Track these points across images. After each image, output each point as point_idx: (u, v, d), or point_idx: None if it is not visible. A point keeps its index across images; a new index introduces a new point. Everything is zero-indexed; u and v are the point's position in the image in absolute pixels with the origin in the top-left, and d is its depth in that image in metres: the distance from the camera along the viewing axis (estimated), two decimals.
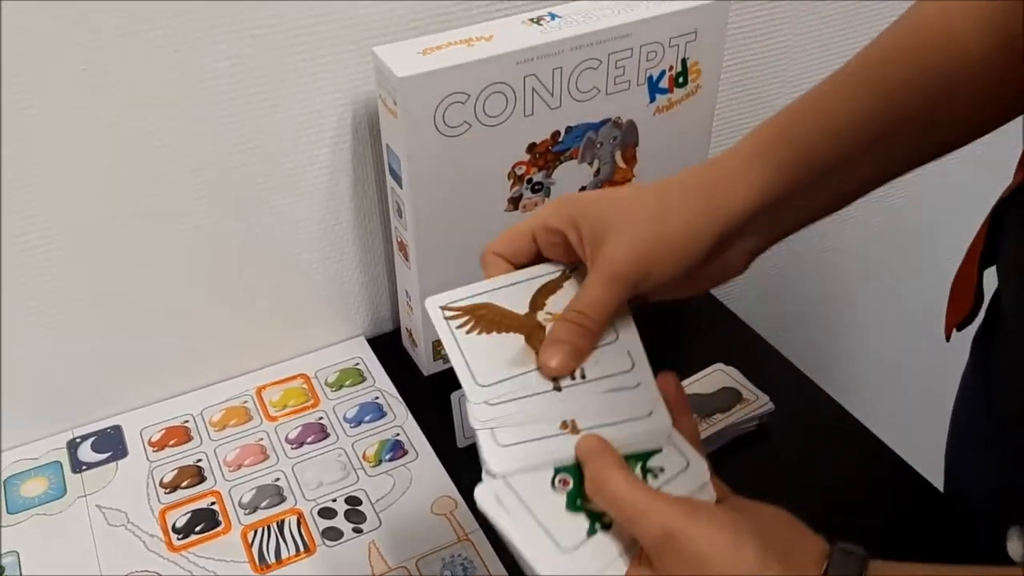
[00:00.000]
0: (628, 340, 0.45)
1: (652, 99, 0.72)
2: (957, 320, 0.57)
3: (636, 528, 0.37)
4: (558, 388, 0.43)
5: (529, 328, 0.45)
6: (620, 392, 0.44)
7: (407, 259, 0.71)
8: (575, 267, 0.47)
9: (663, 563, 0.37)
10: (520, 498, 0.39)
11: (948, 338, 0.58)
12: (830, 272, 1.08)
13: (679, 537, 0.37)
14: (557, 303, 0.45)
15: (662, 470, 0.42)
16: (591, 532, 0.39)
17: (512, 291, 0.46)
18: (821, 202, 0.46)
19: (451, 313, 0.45)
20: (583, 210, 0.44)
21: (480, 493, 0.40)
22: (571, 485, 0.40)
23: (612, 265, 0.43)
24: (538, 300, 0.46)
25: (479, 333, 0.44)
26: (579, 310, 0.43)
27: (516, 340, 0.44)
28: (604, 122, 0.71)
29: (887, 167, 0.45)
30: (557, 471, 0.40)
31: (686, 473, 0.42)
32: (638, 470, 0.41)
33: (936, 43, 0.42)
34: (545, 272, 0.47)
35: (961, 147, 0.45)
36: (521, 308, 0.45)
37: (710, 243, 0.43)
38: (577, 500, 0.40)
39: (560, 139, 0.69)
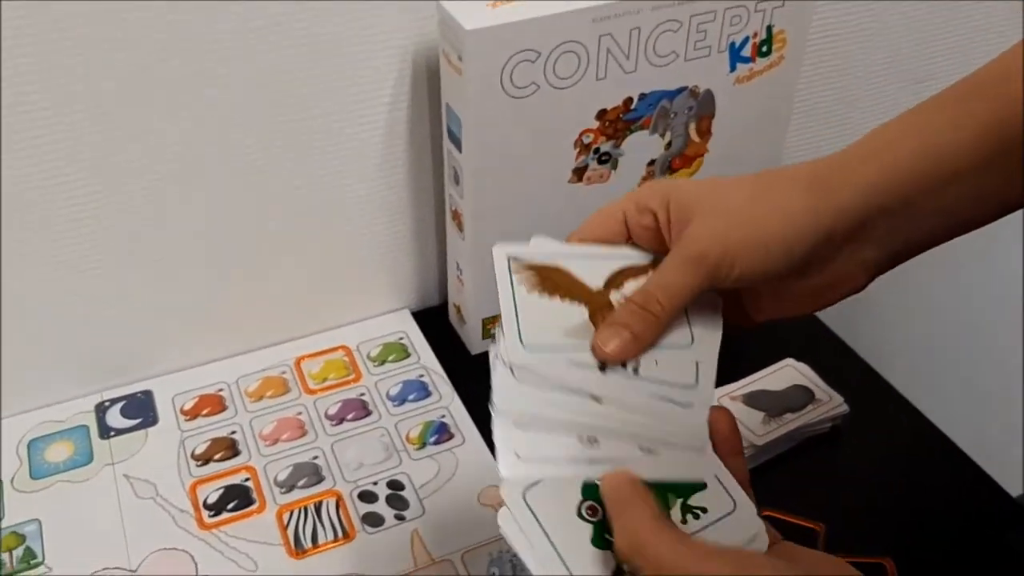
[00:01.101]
0: (703, 351, 0.40)
1: (732, 68, 0.66)
2: None
3: None
4: (602, 369, 0.38)
5: (597, 304, 0.40)
6: (668, 405, 0.38)
7: (461, 230, 0.66)
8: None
9: None
10: (542, 526, 0.35)
11: None
12: (910, 267, 1.02)
13: None
14: (636, 288, 0.40)
15: (704, 511, 0.36)
16: (618, 574, 0.34)
17: (592, 263, 0.41)
18: (943, 217, 0.39)
19: (517, 267, 0.41)
20: (677, 189, 0.40)
21: (502, 518, 0.35)
22: (599, 515, 0.35)
23: (693, 245, 0.38)
24: (617, 279, 0.41)
25: (540, 294, 0.40)
26: (648, 292, 0.39)
27: (579, 312, 0.40)
28: (680, 90, 0.65)
29: (1002, 194, 0.39)
30: (585, 495, 0.36)
31: (732, 518, 0.36)
32: (677, 508, 0.36)
33: None
34: (632, 255, 0.42)
35: None
36: (596, 282, 0.41)
37: (812, 240, 0.38)
38: (605, 535, 0.35)
39: (632, 106, 0.64)
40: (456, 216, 0.67)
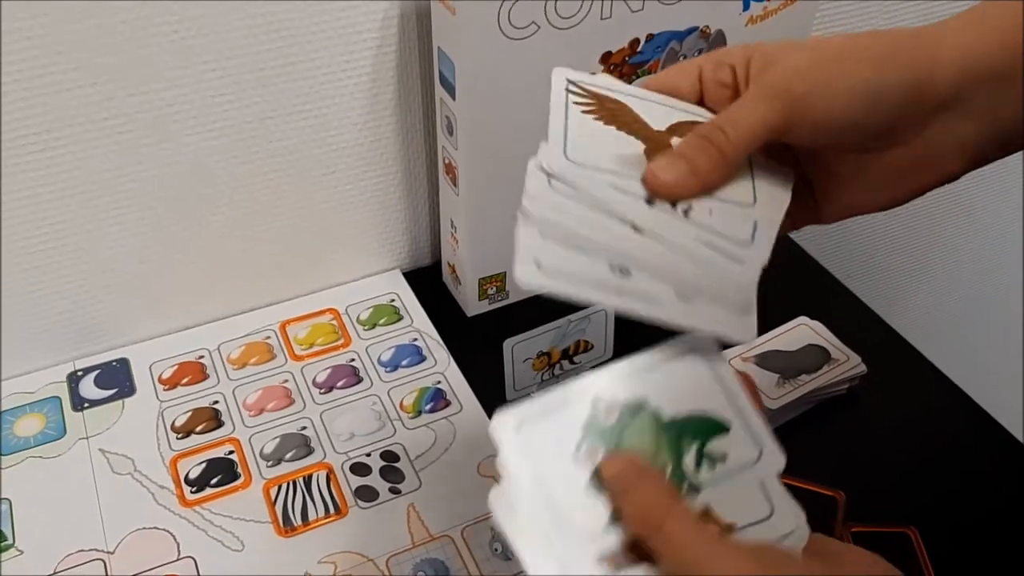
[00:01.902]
0: (765, 213, 0.36)
1: (746, 6, 0.62)
2: None
3: None
4: (649, 203, 0.34)
5: (656, 142, 0.36)
6: (717, 255, 0.34)
7: (455, 184, 0.62)
8: None
9: None
10: (532, 465, 0.32)
11: None
12: (926, 217, 0.98)
13: None
14: None
15: (724, 458, 0.33)
16: (615, 519, 0.31)
17: (657, 108, 0.37)
18: None
19: (576, 90, 0.37)
20: (761, 46, 0.36)
21: (496, 428, 0.32)
22: (599, 458, 0.32)
23: (770, 79, 0.34)
24: (681, 128, 0.37)
25: (596, 118, 0.36)
26: (715, 123, 0.34)
27: (633, 145, 0.36)
28: (690, 31, 0.61)
29: None
30: (586, 438, 0.32)
31: (755, 468, 0.33)
32: (692, 454, 0.33)
33: None
34: (700, 113, 0.38)
35: None
36: (657, 125, 0.37)
37: (902, 92, 0.34)
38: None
39: (639, 49, 0.59)
40: (450, 169, 0.62)
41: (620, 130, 0.36)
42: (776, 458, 0.33)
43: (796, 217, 0.38)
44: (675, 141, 0.36)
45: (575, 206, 0.33)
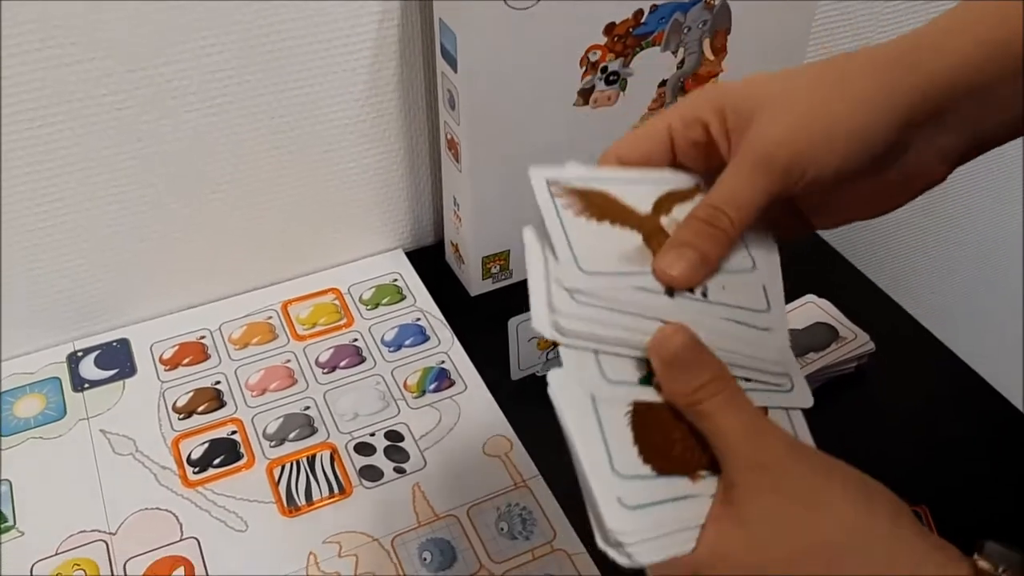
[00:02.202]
0: (767, 274, 0.36)
1: None
2: None
3: (736, 452, 0.30)
4: (670, 295, 0.34)
5: (649, 229, 0.35)
6: (747, 329, 0.35)
7: (457, 160, 0.61)
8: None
9: (755, 503, 0.30)
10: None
11: None
12: (929, 195, 0.97)
13: (790, 474, 0.30)
14: (686, 212, 0.36)
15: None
16: (644, 382, 0.32)
17: (635, 188, 0.37)
18: None
19: (558, 190, 0.36)
20: (730, 93, 0.35)
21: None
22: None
23: (760, 147, 0.33)
24: (664, 204, 0.36)
25: (588, 218, 0.35)
26: (713, 205, 0.34)
27: (632, 237, 0.35)
28: (695, 2, 0.59)
29: None
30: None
31: (788, 396, 0.34)
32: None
33: None
34: (674, 179, 0.37)
35: None
36: (642, 207, 0.36)
37: (896, 126, 0.33)
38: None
39: (643, 20, 0.58)
40: (452, 145, 0.61)
41: (614, 224, 0.35)
42: (805, 395, 0.35)
43: (786, 236, 0.38)
44: (664, 221, 0.36)
45: (607, 315, 0.33)
